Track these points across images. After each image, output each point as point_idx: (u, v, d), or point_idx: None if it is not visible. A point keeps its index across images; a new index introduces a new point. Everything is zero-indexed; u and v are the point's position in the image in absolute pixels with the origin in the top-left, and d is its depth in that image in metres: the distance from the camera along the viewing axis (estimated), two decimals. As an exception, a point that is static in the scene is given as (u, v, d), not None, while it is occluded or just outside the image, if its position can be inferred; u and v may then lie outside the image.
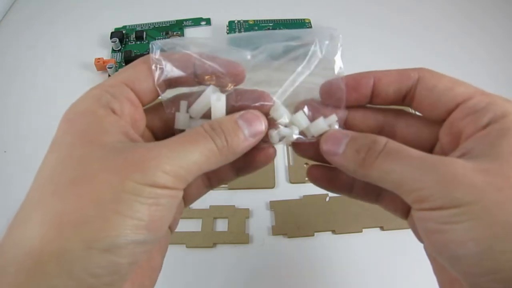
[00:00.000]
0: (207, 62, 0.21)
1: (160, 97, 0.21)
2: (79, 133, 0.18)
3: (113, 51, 0.53)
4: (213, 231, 0.38)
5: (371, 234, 0.39)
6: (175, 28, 0.56)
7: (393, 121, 0.23)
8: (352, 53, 0.22)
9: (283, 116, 0.22)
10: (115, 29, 0.56)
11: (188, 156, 0.18)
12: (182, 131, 0.22)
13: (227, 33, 0.55)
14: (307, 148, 0.23)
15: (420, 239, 0.22)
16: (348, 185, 0.24)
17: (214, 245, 0.38)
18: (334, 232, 0.38)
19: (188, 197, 0.24)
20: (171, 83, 0.21)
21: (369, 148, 0.19)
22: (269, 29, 0.55)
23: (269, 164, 0.43)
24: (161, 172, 0.17)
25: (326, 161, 0.23)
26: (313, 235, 0.38)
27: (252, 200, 0.40)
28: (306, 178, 0.41)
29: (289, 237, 0.38)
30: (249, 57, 0.22)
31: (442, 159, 0.17)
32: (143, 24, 0.56)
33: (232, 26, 0.56)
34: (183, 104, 0.22)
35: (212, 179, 0.24)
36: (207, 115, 0.22)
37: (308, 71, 0.22)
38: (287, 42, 0.22)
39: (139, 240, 0.16)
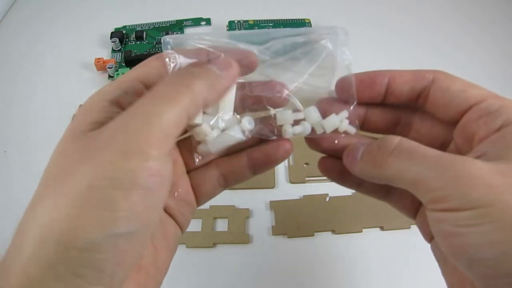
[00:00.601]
0: (221, 53, 0.21)
1: None
2: (75, 128, 0.18)
3: (113, 51, 0.53)
4: (213, 231, 0.38)
5: (371, 234, 0.39)
6: (175, 28, 0.56)
7: (409, 115, 0.23)
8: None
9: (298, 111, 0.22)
10: (115, 29, 0.56)
11: (162, 114, 0.16)
12: (194, 126, 0.21)
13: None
14: (320, 142, 0.23)
15: (427, 239, 0.22)
16: (358, 179, 0.23)
17: (214, 245, 0.38)
18: (334, 232, 0.38)
19: (201, 195, 0.24)
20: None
21: (379, 146, 0.19)
22: (269, 29, 0.55)
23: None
24: (131, 143, 0.15)
25: (337, 155, 0.23)
26: (313, 235, 0.38)
27: (252, 200, 0.40)
28: (306, 178, 0.41)
29: (289, 237, 0.38)
30: (256, 52, 0.22)
31: (459, 159, 0.17)
32: (143, 24, 0.56)
33: (232, 26, 0.56)
34: None
35: (228, 178, 0.24)
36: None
37: (317, 67, 0.22)
38: (294, 38, 0.22)
39: (119, 233, 0.15)
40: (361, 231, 0.38)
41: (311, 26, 0.56)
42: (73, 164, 0.16)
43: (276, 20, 0.57)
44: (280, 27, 0.56)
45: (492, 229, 0.15)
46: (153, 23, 0.57)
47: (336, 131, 0.22)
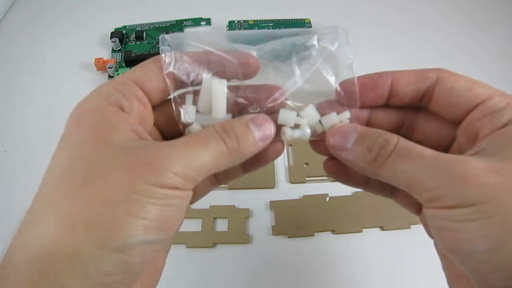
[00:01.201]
0: (221, 54, 0.21)
1: (170, 96, 0.21)
2: (88, 130, 0.18)
3: (113, 51, 0.53)
4: (213, 231, 0.38)
5: (371, 234, 0.39)
6: (175, 28, 0.56)
7: (414, 117, 0.23)
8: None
9: (312, 115, 0.22)
10: (115, 29, 0.56)
11: (198, 158, 0.18)
12: (187, 126, 0.22)
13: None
14: (324, 146, 0.23)
15: (430, 235, 0.22)
16: (364, 178, 0.24)
17: (214, 245, 0.37)
18: (334, 232, 0.38)
19: (194, 195, 0.24)
20: (181, 76, 0.21)
21: (381, 147, 0.19)
22: (269, 29, 0.55)
23: (270, 163, 0.43)
24: (172, 174, 0.17)
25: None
26: (313, 235, 0.38)
27: (252, 200, 0.40)
28: (306, 178, 0.41)
29: (289, 237, 0.38)
30: (254, 53, 0.21)
31: (454, 158, 0.17)
32: (143, 24, 0.56)
33: (232, 26, 0.56)
34: (189, 97, 0.22)
35: (220, 176, 0.24)
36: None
37: (317, 68, 0.22)
38: (294, 39, 0.22)
39: (150, 240, 0.17)
40: (361, 231, 0.38)
41: (311, 26, 0.56)
42: (104, 170, 0.17)
43: (276, 20, 0.57)
44: (280, 27, 0.56)
45: (485, 224, 0.16)
46: (153, 23, 0.57)
47: None
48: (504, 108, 0.19)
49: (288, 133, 0.22)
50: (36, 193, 0.17)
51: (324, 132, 0.22)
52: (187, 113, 0.21)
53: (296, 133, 0.22)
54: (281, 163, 0.44)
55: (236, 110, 0.22)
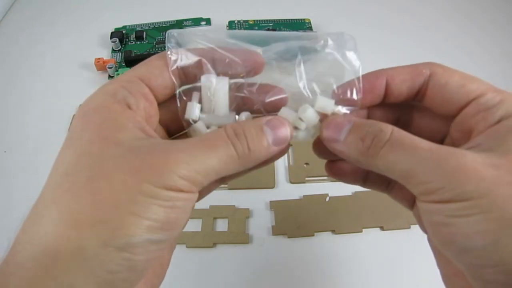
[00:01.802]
0: (225, 52, 0.21)
1: (176, 91, 0.21)
2: (95, 129, 0.18)
3: (113, 51, 0.53)
4: (213, 231, 0.38)
5: (371, 234, 0.39)
6: (175, 28, 0.56)
7: (409, 112, 0.23)
8: (360, 59, 0.22)
9: (311, 117, 0.21)
10: (115, 29, 0.56)
11: (206, 162, 0.18)
12: (191, 123, 0.21)
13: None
14: (326, 150, 0.23)
15: (423, 229, 0.22)
16: (363, 177, 0.24)
17: (214, 245, 0.38)
18: (334, 232, 0.38)
19: (200, 193, 0.24)
20: (187, 73, 0.21)
21: (375, 136, 0.19)
22: (268, 29, 0.55)
23: (270, 164, 0.43)
24: (178, 177, 0.17)
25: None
26: (313, 235, 0.38)
27: (252, 200, 0.40)
28: (306, 178, 0.41)
29: (289, 237, 0.38)
30: (260, 52, 0.21)
31: (452, 151, 0.17)
32: (143, 24, 0.56)
33: (232, 26, 0.56)
34: (195, 95, 0.21)
35: (225, 176, 0.24)
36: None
37: (321, 73, 0.22)
38: (300, 42, 0.22)
39: (154, 239, 0.17)
40: (361, 231, 0.38)
41: (311, 26, 0.56)
42: (109, 169, 0.17)
43: (276, 20, 0.57)
44: (280, 27, 0.56)
45: (482, 219, 0.16)
46: (153, 23, 0.57)
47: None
48: (497, 104, 0.19)
49: (293, 135, 0.21)
50: (41, 191, 0.17)
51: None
52: (191, 111, 0.21)
53: (301, 134, 0.22)
54: (281, 163, 0.44)
55: (238, 107, 0.22)
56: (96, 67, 0.51)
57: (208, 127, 0.22)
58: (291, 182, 0.42)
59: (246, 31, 0.22)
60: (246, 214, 0.39)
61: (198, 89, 0.22)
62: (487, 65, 0.53)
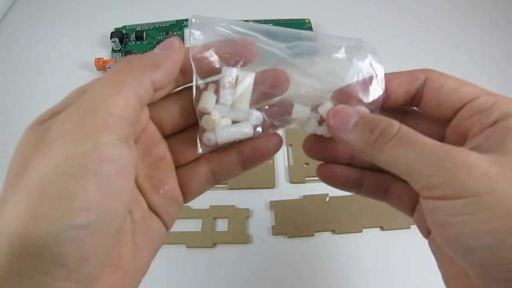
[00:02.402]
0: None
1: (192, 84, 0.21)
2: (33, 121, 0.18)
3: (113, 51, 0.53)
4: (213, 231, 0.38)
5: (371, 234, 0.39)
6: (175, 28, 0.56)
7: (404, 116, 0.23)
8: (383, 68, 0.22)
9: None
10: (115, 29, 0.56)
11: (123, 85, 0.17)
12: (204, 114, 0.21)
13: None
14: (319, 150, 0.23)
15: (424, 234, 0.23)
16: (357, 182, 0.24)
17: (214, 245, 0.37)
18: (334, 232, 0.38)
19: (188, 193, 0.23)
20: (205, 64, 0.21)
21: (383, 130, 0.19)
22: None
23: (269, 164, 0.43)
24: (80, 126, 0.16)
25: (336, 161, 0.23)
26: (313, 235, 0.38)
27: (252, 200, 0.40)
28: (306, 178, 0.41)
29: (289, 237, 0.38)
30: (277, 51, 0.22)
31: (456, 148, 0.17)
32: (143, 24, 0.56)
33: (232, 26, 0.56)
34: (211, 86, 0.21)
35: (218, 175, 0.23)
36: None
37: (340, 78, 0.22)
38: (318, 45, 0.22)
39: (77, 224, 0.15)
40: (361, 231, 0.38)
41: (311, 26, 0.56)
42: (28, 158, 0.16)
43: (276, 20, 0.57)
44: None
45: (489, 217, 0.16)
46: (153, 23, 0.57)
47: None
48: (491, 106, 0.19)
49: (312, 126, 0.22)
50: None
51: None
52: (206, 101, 0.21)
53: (320, 129, 0.22)
54: (281, 163, 0.44)
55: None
56: (96, 67, 0.50)
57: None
58: (291, 182, 0.42)
59: (274, 26, 0.22)
60: (246, 214, 0.39)
61: (215, 82, 0.22)
62: (487, 65, 0.53)
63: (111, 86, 0.17)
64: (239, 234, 0.38)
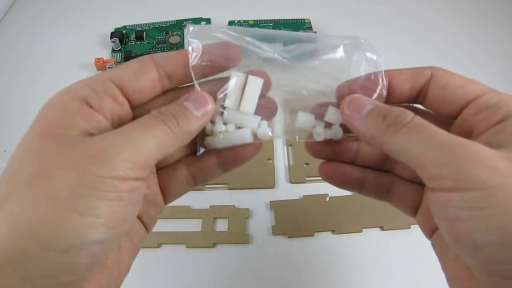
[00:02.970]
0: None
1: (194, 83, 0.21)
2: (44, 126, 0.18)
3: (113, 51, 0.53)
4: (213, 231, 0.38)
5: (371, 234, 0.39)
6: (175, 28, 0.56)
7: None
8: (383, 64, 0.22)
9: (337, 119, 0.22)
10: (115, 29, 0.56)
11: (144, 140, 0.18)
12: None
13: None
14: (322, 149, 0.23)
15: (427, 235, 0.22)
16: (359, 182, 0.24)
17: (214, 245, 0.37)
18: (334, 232, 0.38)
19: (169, 195, 0.23)
20: (205, 68, 0.21)
21: (397, 116, 0.19)
22: (269, 29, 0.55)
23: (269, 164, 0.43)
24: (121, 160, 0.16)
25: (337, 159, 0.23)
26: (313, 235, 0.38)
27: (252, 200, 0.40)
28: (306, 178, 0.41)
29: (289, 237, 0.38)
30: (275, 54, 0.22)
31: (469, 141, 0.17)
32: (143, 24, 0.56)
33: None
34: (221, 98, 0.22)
35: (198, 177, 0.23)
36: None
37: (335, 78, 0.22)
38: (316, 45, 0.22)
39: (98, 239, 0.16)
40: (361, 231, 0.38)
41: (311, 26, 0.56)
42: (51, 165, 0.16)
43: (276, 20, 0.57)
44: (280, 27, 0.56)
45: (500, 213, 0.15)
46: (153, 23, 0.57)
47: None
48: (497, 104, 0.19)
49: (321, 134, 0.22)
50: None
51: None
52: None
53: (329, 133, 0.22)
54: (281, 163, 0.44)
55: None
56: (96, 67, 0.50)
57: (224, 124, 0.22)
58: (291, 182, 0.42)
59: (269, 30, 0.22)
60: (246, 214, 0.39)
61: (215, 82, 0.22)
62: (487, 65, 0.53)
63: (150, 135, 0.18)
64: (239, 234, 0.38)
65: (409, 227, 0.38)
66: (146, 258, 0.36)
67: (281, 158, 0.44)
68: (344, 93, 0.22)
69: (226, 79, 0.22)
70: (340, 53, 0.22)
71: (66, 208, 0.15)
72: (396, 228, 0.38)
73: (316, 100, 0.23)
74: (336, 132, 0.22)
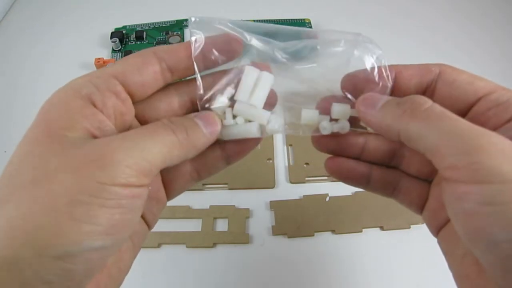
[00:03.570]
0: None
1: (194, 76, 0.21)
2: (45, 126, 0.17)
3: (113, 51, 0.53)
4: (213, 231, 0.38)
5: (371, 234, 0.39)
6: (175, 28, 0.56)
7: None
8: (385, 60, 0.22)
9: (344, 114, 0.22)
10: (115, 29, 0.56)
11: (150, 148, 0.17)
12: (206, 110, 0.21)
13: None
14: (328, 143, 0.23)
15: (434, 232, 0.22)
16: (365, 177, 0.24)
17: (214, 245, 0.38)
18: (334, 232, 0.38)
19: (172, 190, 0.23)
20: (207, 60, 0.21)
21: (413, 102, 0.18)
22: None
23: (269, 164, 0.43)
24: (124, 166, 0.16)
25: (343, 154, 0.23)
26: (313, 235, 0.38)
27: (252, 200, 0.40)
28: (306, 178, 0.41)
29: (289, 237, 0.38)
30: (281, 47, 0.22)
31: (490, 132, 0.16)
32: (143, 24, 0.56)
33: (232, 26, 0.56)
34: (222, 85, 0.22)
35: (202, 171, 0.23)
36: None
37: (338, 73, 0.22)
38: (316, 42, 0.22)
39: (95, 246, 0.16)
40: (361, 231, 0.38)
41: (311, 26, 0.56)
42: (52, 169, 0.16)
43: (276, 20, 0.57)
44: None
45: None
46: (153, 23, 0.57)
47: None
48: (508, 100, 0.19)
49: (328, 128, 0.22)
50: None
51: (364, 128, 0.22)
52: (218, 102, 0.21)
53: (336, 127, 0.22)
54: (281, 163, 0.44)
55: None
56: (96, 67, 0.50)
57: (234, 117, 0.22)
58: (291, 182, 0.42)
59: (268, 24, 0.22)
60: (246, 214, 0.39)
61: (217, 75, 0.22)
62: (487, 65, 0.53)
63: (155, 142, 0.18)
64: (239, 234, 0.38)
65: (409, 227, 0.38)
66: (146, 258, 0.36)
67: (281, 158, 0.44)
68: (349, 84, 0.22)
69: (228, 72, 0.22)
70: (341, 47, 0.22)
71: (63, 215, 0.15)
72: (396, 228, 0.38)
73: (319, 95, 0.23)
74: (343, 126, 0.22)
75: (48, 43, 0.55)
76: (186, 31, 0.57)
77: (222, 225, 0.39)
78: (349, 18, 0.58)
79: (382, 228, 0.39)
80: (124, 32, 0.55)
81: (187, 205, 0.39)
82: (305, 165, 0.43)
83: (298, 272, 0.37)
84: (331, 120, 0.22)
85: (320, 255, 0.37)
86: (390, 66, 0.22)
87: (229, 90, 0.22)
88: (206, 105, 0.21)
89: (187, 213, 0.39)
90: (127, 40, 0.54)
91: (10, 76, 0.52)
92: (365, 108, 0.20)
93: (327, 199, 0.40)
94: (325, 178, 0.42)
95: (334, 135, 0.23)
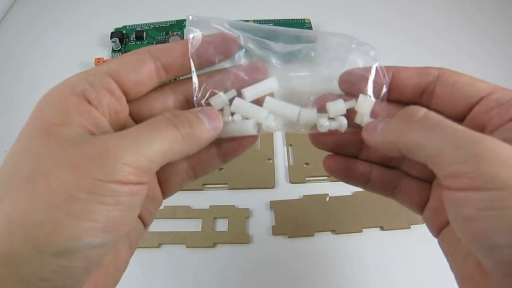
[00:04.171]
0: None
1: (191, 75, 0.21)
2: (42, 123, 0.17)
3: (113, 51, 0.53)
4: (213, 231, 0.38)
5: (371, 234, 0.39)
6: (175, 28, 0.56)
7: None
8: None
9: (340, 110, 0.22)
10: (115, 29, 0.56)
11: (150, 144, 0.17)
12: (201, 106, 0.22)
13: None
14: (326, 140, 0.23)
15: (434, 233, 0.22)
16: (364, 177, 0.23)
17: (214, 245, 0.38)
18: (334, 232, 0.38)
19: (168, 189, 0.23)
20: (203, 58, 0.21)
21: (406, 113, 0.18)
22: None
23: (269, 164, 0.43)
24: (122, 164, 0.16)
25: (342, 153, 0.23)
26: (313, 235, 0.38)
27: (252, 200, 0.40)
28: (306, 178, 0.41)
29: (289, 237, 0.38)
30: (277, 49, 0.22)
31: (487, 136, 0.16)
32: (143, 24, 0.56)
33: (232, 26, 0.56)
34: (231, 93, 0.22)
35: (198, 169, 0.23)
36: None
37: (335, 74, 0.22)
38: (315, 45, 0.23)
39: (94, 243, 0.16)
40: (361, 231, 0.38)
41: (311, 26, 0.56)
42: (49, 166, 0.16)
43: (276, 20, 0.57)
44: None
45: None
46: (153, 23, 0.57)
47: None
48: (509, 100, 0.19)
49: (325, 124, 0.22)
50: None
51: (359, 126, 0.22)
52: (217, 99, 0.21)
53: (333, 124, 0.22)
54: (281, 163, 0.44)
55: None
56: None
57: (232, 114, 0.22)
58: (291, 182, 0.42)
59: (258, 25, 0.22)
60: (246, 214, 0.39)
61: (212, 74, 0.22)
62: (487, 65, 0.53)
63: (155, 138, 0.18)
64: (239, 234, 0.38)
65: (409, 227, 0.38)
66: (146, 258, 0.36)
67: (281, 158, 0.44)
68: (346, 80, 0.22)
69: (224, 70, 0.22)
70: (337, 49, 0.23)
71: (62, 212, 0.15)
72: (396, 228, 0.38)
73: (316, 95, 0.23)
74: (341, 124, 0.22)
75: (48, 43, 0.55)
76: (186, 31, 0.56)
77: (222, 225, 0.39)
78: (349, 18, 0.58)
79: (382, 228, 0.39)
80: (124, 32, 0.55)
81: (187, 205, 0.39)
82: (305, 165, 0.43)
83: (298, 272, 0.37)
84: (329, 118, 0.22)
85: (320, 255, 0.37)
86: (388, 67, 0.22)
87: (226, 88, 0.22)
88: (202, 102, 0.21)
89: (187, 213, 0.39)
90: (127, 40, 0.54)
91: (10, 76, 0.52)
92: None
93: (327, 199, 0.40)
94: (325, 178, 0.42)
95: (332, 132, 0.23)
